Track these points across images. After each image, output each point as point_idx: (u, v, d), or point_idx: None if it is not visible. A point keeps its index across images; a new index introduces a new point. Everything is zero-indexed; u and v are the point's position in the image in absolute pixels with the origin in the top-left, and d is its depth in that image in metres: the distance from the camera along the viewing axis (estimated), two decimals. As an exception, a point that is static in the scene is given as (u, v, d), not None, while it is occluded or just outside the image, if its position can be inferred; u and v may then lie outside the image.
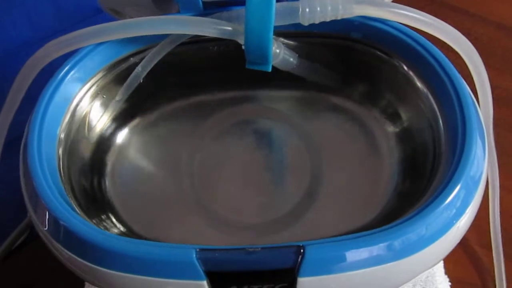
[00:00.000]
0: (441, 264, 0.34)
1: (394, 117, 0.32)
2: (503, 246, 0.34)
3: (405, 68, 0.30)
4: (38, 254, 0.37)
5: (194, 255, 0.23)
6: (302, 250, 0.23)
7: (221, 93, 0.34)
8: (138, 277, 0.24)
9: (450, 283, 0.33)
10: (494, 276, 0.34)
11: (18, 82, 0.29)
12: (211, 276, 0.23)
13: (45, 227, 0.25)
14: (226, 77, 0.33)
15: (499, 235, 0.35)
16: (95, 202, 0.30)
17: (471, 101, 0.26)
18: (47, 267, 0.35)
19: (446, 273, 0.34)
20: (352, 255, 0.23)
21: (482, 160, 0.26)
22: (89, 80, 0.30)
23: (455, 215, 0.24)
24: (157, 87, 0.33)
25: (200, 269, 0.23)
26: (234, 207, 0.30)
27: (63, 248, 0.25)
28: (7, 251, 0.37)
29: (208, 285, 0.24)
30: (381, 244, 0.23)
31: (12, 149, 0.30)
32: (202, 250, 0.23)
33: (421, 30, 0.28)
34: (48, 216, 0.25)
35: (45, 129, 0.27)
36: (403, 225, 0.23)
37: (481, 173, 0.26)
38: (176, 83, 0.34)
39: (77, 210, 0.26)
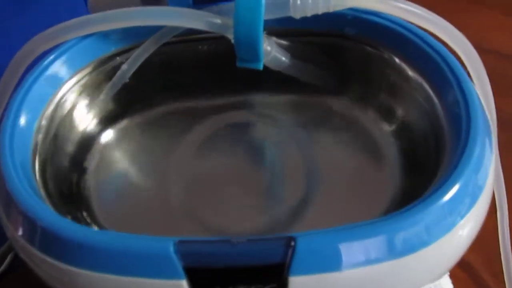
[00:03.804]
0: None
1: (390, 112, 0.31)
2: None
3: (397, 60, 0.29)
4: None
5: (172, 248, 0.21)
6: (293, 243, 0.20)
7: (211, 96, 0.33)
8: (111, 276, 0.21)
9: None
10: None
11: (5, 79, 0.28)
12: (191, 273, 0.21)
13: (20, 233, 0.23)
14: (217, 79, 0.33)
15: (511, 264, 0.32)
16: (71, 200, 0.28)
17: (472, 86, 0.25)
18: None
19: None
20: (348, 248, 0.21)
21: (489, 157, 0.24)
22: (73, 77, 0.29)
23: (455, 215, 0.22)
24: (144, 89, 0.33)
25: (178, 265, 0.21)
26: (224, 212, 0.29)
27: (39, 253, 0.22)
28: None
29: (188, 285, 0.21)
30: (380, 236, 0.21)
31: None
32: (181, 242, 0.21)
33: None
34: (22, 217, 0.23)
35: (19, 124, 0.26)
36: (398, 218, 0.21)
37: (487, 174, 0.24)
38: (164, 85, 0.33)
39: (50, 206, 0.24)
